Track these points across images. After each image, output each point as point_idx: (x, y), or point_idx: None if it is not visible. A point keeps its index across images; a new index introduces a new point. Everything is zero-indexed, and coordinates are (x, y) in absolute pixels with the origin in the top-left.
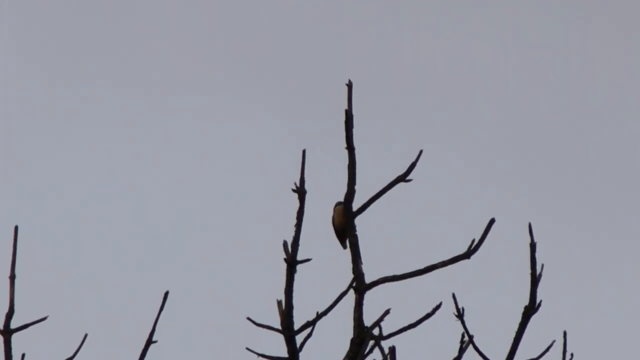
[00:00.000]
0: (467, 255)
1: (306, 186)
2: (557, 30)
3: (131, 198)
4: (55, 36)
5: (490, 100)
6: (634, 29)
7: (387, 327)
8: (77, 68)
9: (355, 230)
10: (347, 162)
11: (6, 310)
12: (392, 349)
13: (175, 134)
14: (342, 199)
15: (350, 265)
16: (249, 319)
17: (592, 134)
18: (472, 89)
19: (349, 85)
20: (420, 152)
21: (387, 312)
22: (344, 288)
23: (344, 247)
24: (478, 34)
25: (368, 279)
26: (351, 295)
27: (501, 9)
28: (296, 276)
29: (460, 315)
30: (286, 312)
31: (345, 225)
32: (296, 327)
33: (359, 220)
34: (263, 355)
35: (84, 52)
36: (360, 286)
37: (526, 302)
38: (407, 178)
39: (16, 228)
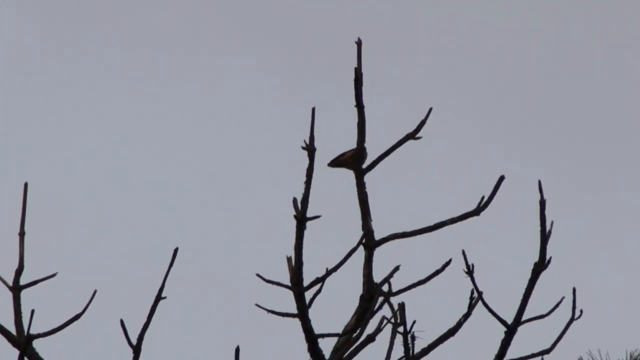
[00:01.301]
0: (477, 212)
1: (315, 144)
2: None
3: (138, 156)
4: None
5: (500, 59)
6: None
7: (397, 283)
8: (72, 28)
9: (364, 187)
10: (356, 120)
11: (16, 266)
12: (402, 306)
13: (182, 92)
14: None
15: (360, 222)
16: (258, 275)
17: (603, 91)
18: (483, 48)
19: (359, 43)
20: (430, 109)
21: (396, 268)
22: (354, 245)
23: (329, 165)
24: None
25: (378, 236)
26: (361, 251)
27: None
28: (306, 233)
29: (469, 271)
30: (296, 269)
31: (349, 163)
32: (305, 283)
33: (368, 177)
34: (272, 312)
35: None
36: (370, 242)
37: (536, 258)
38: (417, 136)
39: (26, 185)
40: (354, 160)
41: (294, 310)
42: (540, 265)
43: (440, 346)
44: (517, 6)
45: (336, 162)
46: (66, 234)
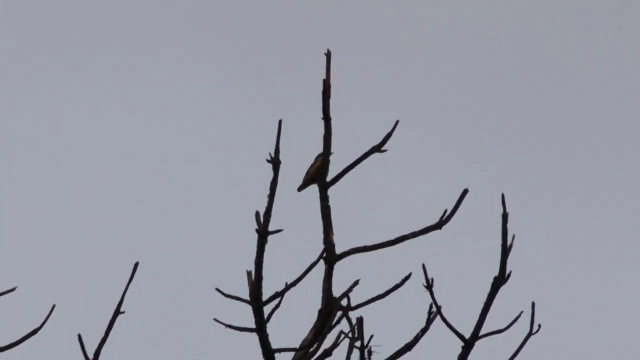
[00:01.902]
0: (439, 225)
1: (280, 156)
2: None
3: (97, 169)
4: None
5: (465, 73)
6: None
7: (356, 298)
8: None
9: (327, 201)
10: (323, 132)
11: None
12: (360, 320)
13: (144, 98)
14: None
15: (322, 236)
16: (217, 289)
17: (562, 106)
18: (449, 62)
19: (328, 55)
20: (396, 122)
21: (356, 282)
22: (314, 259)
23: (299, 190)
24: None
25: (339, 249)
26: (321, 265)
27: None
28: (267, 247)
29: (429, 286)
30: (255, 283)
31: (315, 178)
32: (265, 297)
33: (331, 191)
34: (230, 326)
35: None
36: (330, 257)
37: (496, 272)
38: (382, 148)
39: None
40: (319, 174)
41: (253, 325)
42: (500, 279)
43: None
44: (482, 20)
45: (304, 184)
46: (25, 248)
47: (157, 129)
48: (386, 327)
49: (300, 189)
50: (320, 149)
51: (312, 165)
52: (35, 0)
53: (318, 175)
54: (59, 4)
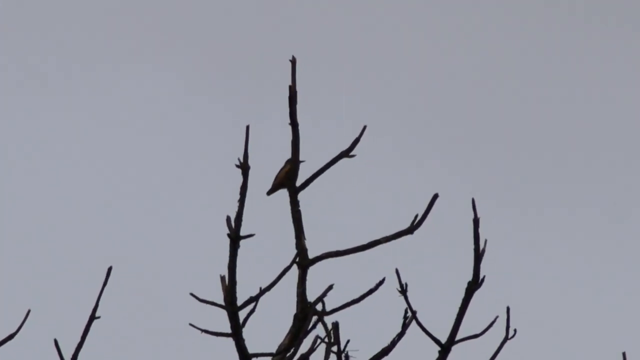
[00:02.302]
0: (411, 230)
1: (249, 161)
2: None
3: (71, 172)
4: None
5: (433, 78)
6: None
7: (331, 302)
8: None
9: (298, 206)
10: (290, 138)
11: None
12: (336, 325)
13: (111, 106)
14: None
15: (294, 241)
16: (192, 294)
17: (534, 109)
18: (417, 67)
19: (293, 61)
20: (364, 127)
21: (330, 287)
22: (288, 263)
23: (269, 194)
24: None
25: (311, 255)
26: (294, 270)
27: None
28: (239, 251)
29: (403, 290)
30: (229, 288)
31: (284, 183)
32: (239, 302)
33: (302, 196)
34: (206, 331)
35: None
36: (303, 261)
37: (470, 277)
38: (351, 153)
39: None
40: (288, 179)
41: (228, 330)
42: (474, 284)
43: None
44: (448, 25)
45: (274, 188)
46: None
47: (126, 136)
48: (362, 332)
49: (269, 192)
50: (289, 154)
51: (281, 170)
52: None
53: (287, 179)
54: (21, 17)
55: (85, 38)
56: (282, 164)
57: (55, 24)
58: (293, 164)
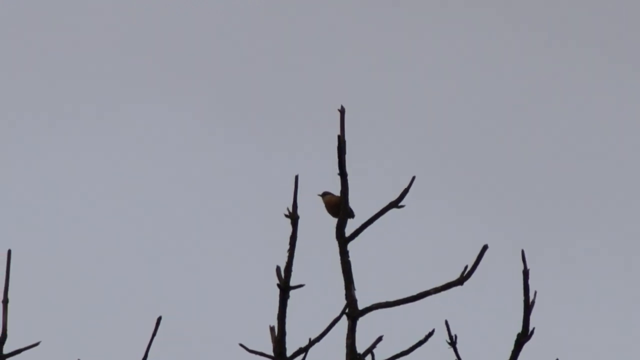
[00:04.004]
0: (460, 281)
1: (298, 211)
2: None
3: (121, 219)
4: None
5: (480, 130)
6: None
7: (380, 354)
8: None
9: (347, 256)
10: (339, 188)
11: None
12: None
13: (147, 150)
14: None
15: (343, 292)
16: (241, 345)
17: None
18: (461, 116)
19: (342, 111)
20: (413, 178)
21: (379, 338)
22: (337, 314)
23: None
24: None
25: (361, 305)
26: (344, 321)
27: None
28: (289, 302)
29: (452, 342)
30: (279, 338)
31: (337, 209)
32: (289, 353)
33: (351, 246)
34: None
35: None
36: (353, 312)
37: (519, 329)
38: (400, 204)
39: (9, 252)
40: (332, 208)
41: None
42: (524, 336)
43: None
44: (500, 79)
45: (326, 197)
46: (49, 302)
47: (167, 184)
48: None
49: (322, 195)
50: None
51: (330, 199)
52: (17, 49)
53: (332, 207)
54: (40, 52)
55: (104, 76)
56: (329, 216)
57: (69, 63)
58: (342, 213)
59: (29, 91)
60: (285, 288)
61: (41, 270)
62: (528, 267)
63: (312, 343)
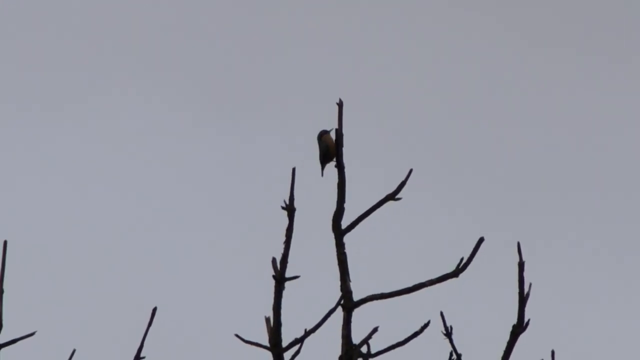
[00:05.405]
0: (456, 273)
1: (295, 203)
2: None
3: (118, 213)
4: None
5: (478, 122)
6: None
7: (376, 344)
8: None
9: (343, 248)
10: (337, 180)
11: None
12: None
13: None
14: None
15: (339, 283)
16: (237, 335)
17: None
18: (458, 108)
19: (340, 104)
20: (410, 171)
21: (375, 329)
22: (333, 305)
23: (323, 174)
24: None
25: (356, 297)
26: (339, 312)
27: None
28: (285, 293)
29: (448, 333)
30: (274, 329)
31: (333, 151)
32: (284, 344)
33: (347, 238)
34: None
35: None
36: (348, 304)
37: (514, 320)
38: (397, 196)
39: (5, 243)
40: (329, 157)
41: None
42: (519, 327)
43: None
44: (493, 77)
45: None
46: (44, 292)
47: (163, 177)
48: None
49: (322, 171)
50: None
51: (324, 140)
52: None
53: (328, 149)
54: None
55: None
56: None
57: (34, 54)
58: (338, 205)
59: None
60: (280, 279)
61: (36, 261)
62: (524, 259)
63: (307, 334)
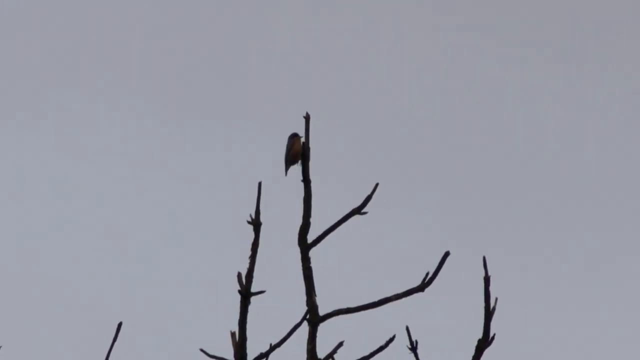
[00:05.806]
0: (422, 288)
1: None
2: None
3: (81, 228)
4: None
5: (445, 137)
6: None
7: (341, 359)
8: None
9: (309, 262)
10: (303, 194)
11: None
12: None
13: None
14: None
15: (304, 298)
16: (202, 350)
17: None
18: (421, 123)
19: (307, 118)
20: (376, 185)
21: (340, 344)
22: (298, 320)
23: (287, 174)
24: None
25: (322, 311)
26: (305, 327)
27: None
28: (250, 308)
29: (413, 348)
30: (239, 344)
31: (299, 154)
32: (250, 358)
33: (313, 252)
34: None
35: None
36: (314, 318)
37: (480, 335)
38: (363, 211)
39: None
40: (294, 158)
41: None
42: (485, 341)
43: None
44: (463, 90)
45: (291, 162)
46: (9, 308)
47: (127, 187)
48: None
49: (286, 171)
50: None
51: (293, 145)
52: None
53: (295, 155)
54: None
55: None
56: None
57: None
58: (304, 219)
59: None
60: (246, 294)
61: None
62: (489, 273)
63: (272, 348)
